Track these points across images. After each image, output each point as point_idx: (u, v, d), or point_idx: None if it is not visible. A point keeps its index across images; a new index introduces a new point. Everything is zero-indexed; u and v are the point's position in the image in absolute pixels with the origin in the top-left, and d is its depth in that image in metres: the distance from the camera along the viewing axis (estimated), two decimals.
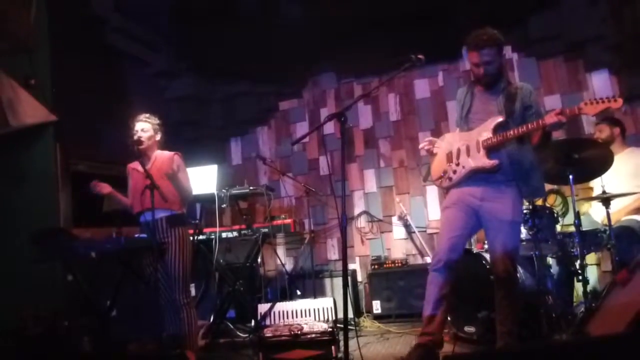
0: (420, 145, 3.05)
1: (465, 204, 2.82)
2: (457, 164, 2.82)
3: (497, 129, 2.72)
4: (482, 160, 2.73)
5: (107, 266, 3.61)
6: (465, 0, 4.46)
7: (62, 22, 4.09)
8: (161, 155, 3.45)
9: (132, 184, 3.47)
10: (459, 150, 2.84)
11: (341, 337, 3.45)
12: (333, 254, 5.50)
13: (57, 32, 4.02)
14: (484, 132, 2.75)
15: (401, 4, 4.48)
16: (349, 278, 4.80)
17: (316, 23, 4.68)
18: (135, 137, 3.34)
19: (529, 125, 2.62)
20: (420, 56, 2.71)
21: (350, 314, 4.52)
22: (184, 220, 3.42)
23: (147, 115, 3.46)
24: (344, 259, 2.34)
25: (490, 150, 2.72)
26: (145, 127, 3.40)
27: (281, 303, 3.75)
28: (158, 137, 3.48)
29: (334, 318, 3.55)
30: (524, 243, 3.29)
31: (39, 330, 3.35)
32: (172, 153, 3.45)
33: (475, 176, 2.78)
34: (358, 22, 4.68)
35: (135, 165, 3.45)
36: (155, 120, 3.48)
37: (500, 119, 2.73)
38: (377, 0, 4.49)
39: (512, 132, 2.66)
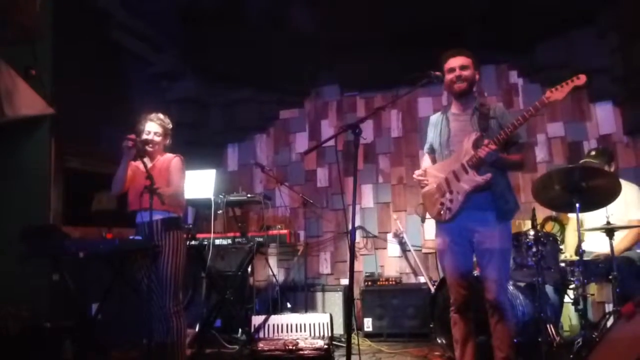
0: (416, 174, 2.96)
1: (458, 243, 2.82)
2: (451, 192, 2.79)
3: (476, 145, 2.70)
4: (474, 180, 2.69)
5: (95, 267, 3.49)
6: (475, 23, 4.45)
7: (67, 14, 3.99)
8: (163, 158, 3.34)
9: (134, 181, 3.34)
10: (447, 180, 2.81)
11: (336, 355, 3.39)
12: (325, 267, 5.41)
13: (60, 24, 3.93)
14: (465, 154, 2.74)
15: (410, 23, 4.47)
16: (343, 294, 4.73)
17: (323, 34, 4.64)
18: (145, 138, 3.21)
19: (505, 130, 2.60)
20: (437, 73, 2.70)
21: (342, 331, 4.46)
22: (180, 224, 3.30)
23: (161, 116, 3.30)
24: (351, 271, 2.26)
25: (478, 167, 2.70)
26: (158, 130, 3.27)
27: (275, 316, 3.64)
28: (167, 141, 3.36)
29: (329, 334, 3.45)
30: (527, 270, 3.25)
31: (19, 330, 3.21)
32: (173, 155, 3.35)
33: (470, 203, 2.75)
34: (366, 37, 4.66)
35: (138, 163, 3.34)
36: (169, 124, 3.34)
37: (474, 135, 2.73)
38: (387, 18, 4.48)
39: (494, 139, 2.62)
